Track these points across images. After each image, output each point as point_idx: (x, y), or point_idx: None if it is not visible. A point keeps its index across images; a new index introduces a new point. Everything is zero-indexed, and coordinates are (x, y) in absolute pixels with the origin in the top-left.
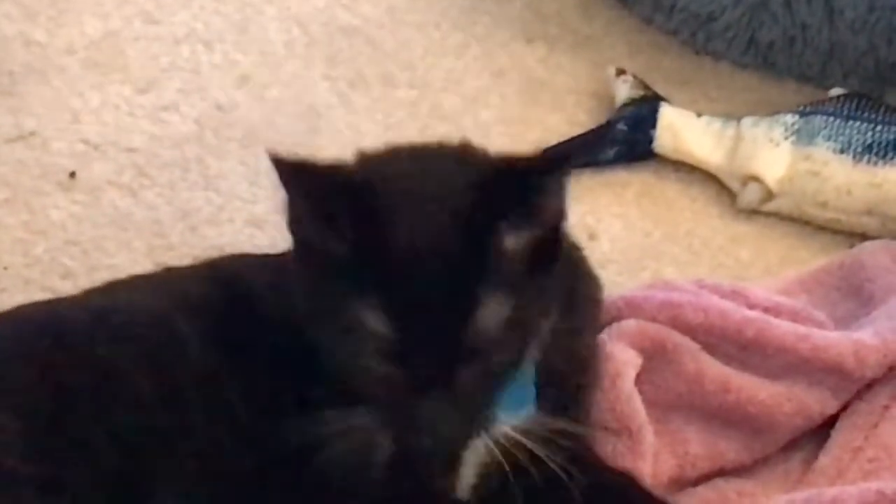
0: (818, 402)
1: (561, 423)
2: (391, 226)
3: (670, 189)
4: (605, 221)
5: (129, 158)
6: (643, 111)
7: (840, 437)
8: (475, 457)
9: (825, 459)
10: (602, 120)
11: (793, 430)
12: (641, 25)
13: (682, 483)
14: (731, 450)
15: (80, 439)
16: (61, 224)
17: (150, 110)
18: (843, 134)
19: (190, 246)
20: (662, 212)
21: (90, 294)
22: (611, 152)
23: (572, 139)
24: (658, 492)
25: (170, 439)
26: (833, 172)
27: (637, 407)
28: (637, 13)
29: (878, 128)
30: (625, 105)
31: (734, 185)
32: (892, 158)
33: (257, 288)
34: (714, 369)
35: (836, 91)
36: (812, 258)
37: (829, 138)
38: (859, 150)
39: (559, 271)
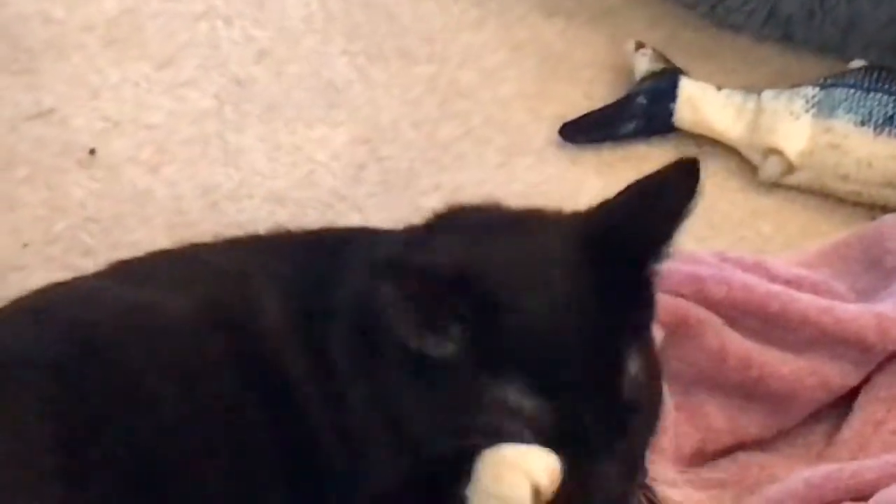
0: (840, 375)
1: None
2: (513, 312)
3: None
4: None
5: (149, 135)
6: (662, 85)
7: (862, 410)
8: None
9: (847, 432)
10: (621, 94)
11: (814, 404)
12: (664, 2)
13: (704, 456)
14: (752, 424)
15: (105, 444)
16: (81, 201)
17: (169, 86)
18: (863, 106)
19: (210, 222)
20: None
21: (119, 275)
22: (630, 126)
23: (591, 113)
24: (680, 466)
25: (191, 457)
26: (854, 145)
27: None
28: None
29: None
30: (644, 79)
31: (755, 158)
32: None
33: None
34: (736, 344)
35: (856, 63)
36: (833, 231)
37: (849, 110)
38: (880, 122)
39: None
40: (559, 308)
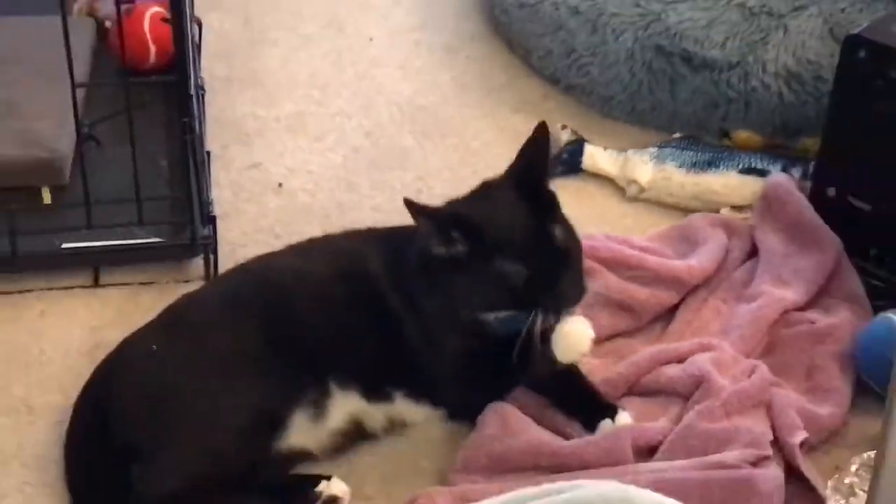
0: (668, 297)
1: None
2: (489, 225)
3: (590, 188)
4: None
5: (309, 177)
6: (576, 147)
7: (680, 315)
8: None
9: (673, 326)
10: (554, 153)
11: (655, 312)
12: (576, 104)
13: (600, 341)
14: (622, 323)
15: (288, 340)
16: (275, 211)
17: (320, 151)
18: (680, 157)
19: (340, 222)
20: (586, 200)
21: (292, 251)
22: (559, 169)
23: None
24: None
25: (333, 346)
26: (676, 178)
27: None
28: (575, 99)
29: (699, 154)
30: (566, 144)
31: (623, 184)
32: (706, 170)
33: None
34: (615, 282)
35: (677, 135)
36: (666, 223)
37: (674, 160)
38: (690, 166)
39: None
40: (511, 216)
